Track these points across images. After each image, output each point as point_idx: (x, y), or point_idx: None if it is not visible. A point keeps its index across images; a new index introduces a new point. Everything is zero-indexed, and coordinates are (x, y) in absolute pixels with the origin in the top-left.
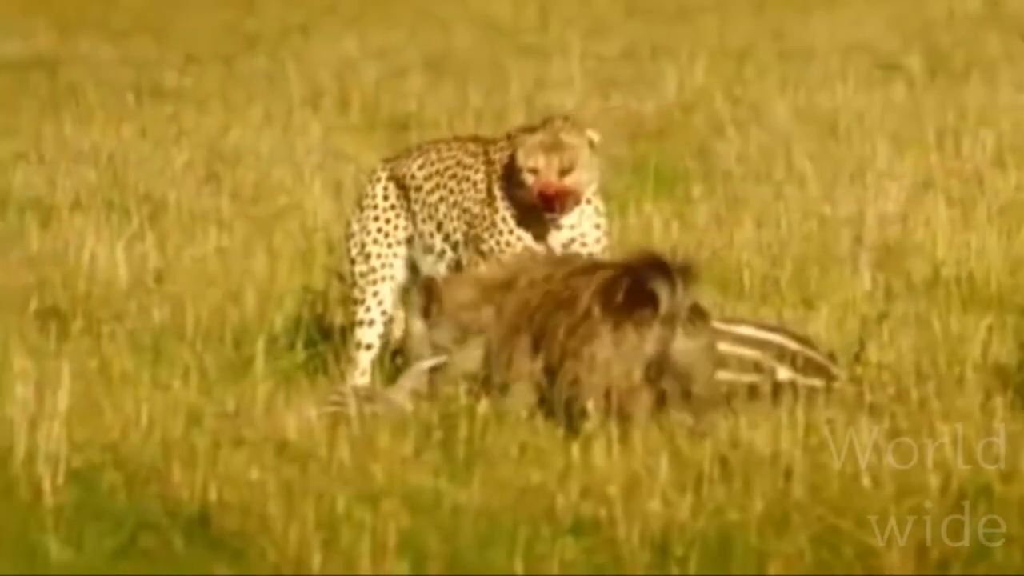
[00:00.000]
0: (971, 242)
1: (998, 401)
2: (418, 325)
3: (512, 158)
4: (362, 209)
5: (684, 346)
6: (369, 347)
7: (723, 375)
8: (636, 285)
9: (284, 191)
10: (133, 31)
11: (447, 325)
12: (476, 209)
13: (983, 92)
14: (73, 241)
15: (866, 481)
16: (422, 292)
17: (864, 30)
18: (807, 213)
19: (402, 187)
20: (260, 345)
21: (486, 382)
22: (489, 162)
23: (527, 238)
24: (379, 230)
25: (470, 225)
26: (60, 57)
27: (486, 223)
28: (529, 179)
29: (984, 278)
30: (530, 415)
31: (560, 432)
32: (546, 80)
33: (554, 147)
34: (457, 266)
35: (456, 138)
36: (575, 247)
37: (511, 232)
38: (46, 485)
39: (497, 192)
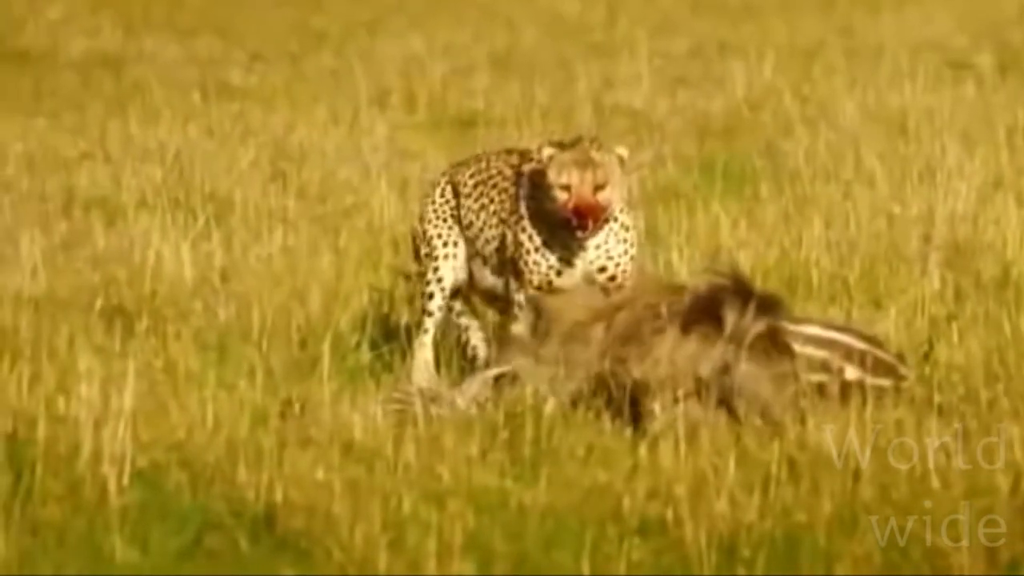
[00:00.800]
0: None
1: None
2: (519, 335)
3: (540, 174)
4: (424, 211)
5: (750, 371)
6: (431, 314)
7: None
8: (712, 304)
9: (350, 190)
10: (199, 29)
11: (555, 341)
12: (508, 222)
13: None
14: (139, 240)
15: (935, 482)
16: (531, 309)
17: (934, 28)
18: (876, 212)
19: (456, 193)
20: (326, 345)
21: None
22: (520, 175)
23: (552, 259)
24: (438, 217)
25: (503, 238)
26: (126, 56)
27: (513, 239)
28: (562, 196)
29: None
30: (596, 416)
31: (627, 432)
32: (613, 78)
33: (587, 164)
34: (499, 271)
35: (508, 150)
36: (601, 263)
37: (537, 251)
38: (111, 485)
39: (523, 209)
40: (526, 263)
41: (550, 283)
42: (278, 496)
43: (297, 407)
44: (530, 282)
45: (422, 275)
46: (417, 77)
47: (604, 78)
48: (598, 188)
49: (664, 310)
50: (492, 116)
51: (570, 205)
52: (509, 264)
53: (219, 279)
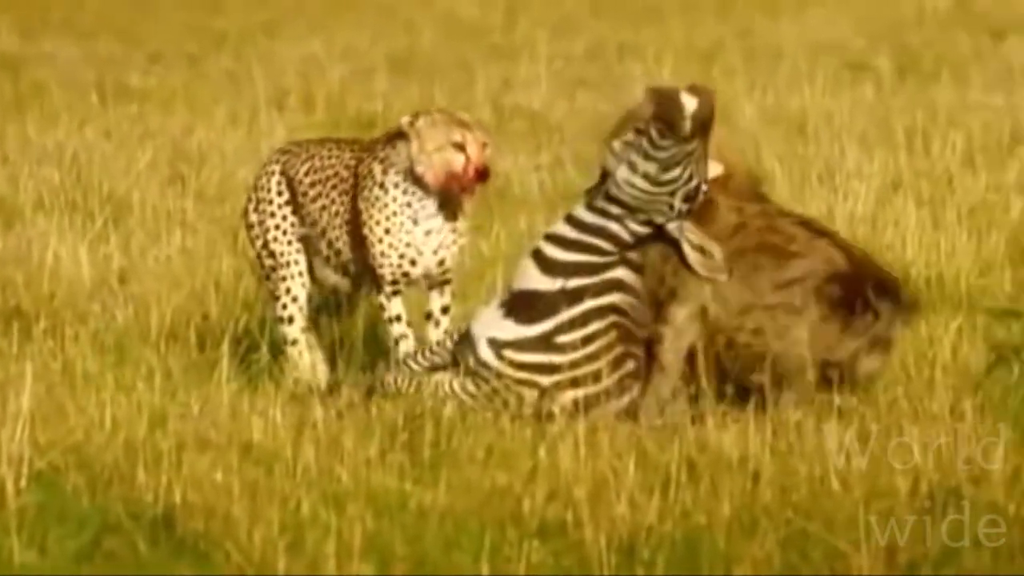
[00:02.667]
0: (940, 243)
1: (967, 403)
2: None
3: (401, 148)
4: (258, 202)
5: (868, 367)
6: (295, 342)
7: None
8: (854, 286)
9: (249, 191)
10: (97, 31)
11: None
12: (352, 219)
13: (952, 92)
14: (36, 242)
15: (835, 484)
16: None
17: (833, 30)
18: None
19: (293, 191)
20: (225, 347)
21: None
22: (379, 160)
23: (403, 249)
24: (279, 228)
25: (348, 236)
26: (24, 57)
27: (357, 234)
28: (457, 157)
29: (954, 279)
30: (496, 417)
31: (527, 434)
32: (512, 80)
33: (468, 121)
34: (343, 271)
35: (336, 140)
36: (441, 253)
37: (387, 242)
38: (9, 487)
39: (374, 198)
40: (375, 257)
41: (405, 275)
42: (176, 498)
43: (196, 408)
44: (382, 277)
45: (272, 294)
46: (316, 79)
47: (503, 80)
48: (484, 146)
49: (796, 283)
50: (391, 118)
51: (471, 166)
52: (356, 262)
53: (117, 281)
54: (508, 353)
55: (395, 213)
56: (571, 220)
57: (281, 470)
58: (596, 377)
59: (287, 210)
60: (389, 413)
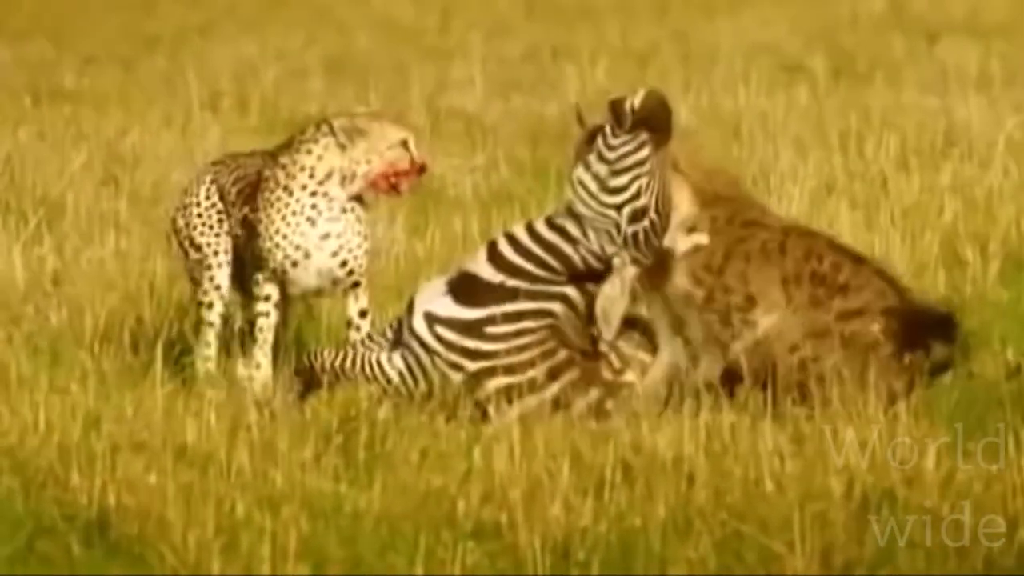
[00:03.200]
0: (875, 244)
1: (902, 406)
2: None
3: (318, 155)
4: (185, 207)
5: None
6: (211, 324)
7: None
8: (919, 323)
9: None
10: (30, 33)
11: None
12: (259, 211)
13: (887, 94)
14: None
15: (769, 486)
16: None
17: (767, 32)
18: None
19: (221, 197)
20: (159, 349)
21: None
22: (281, 165)
23: (292, 249)
24: (205, 223)
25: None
26: None
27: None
28: (403, 154)
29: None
30: (430, 419)
31: (461, 436)
32: (447, 82)
33: (403, 120)
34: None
35: (265, 152)
36: (342, 255)
37: (291, 235)
38: None
39: (287, 194)
40: (263, 250)
41: (284, 272)
42: (111, 500)
43: (130, 411)
44: (265, 263)
45: (194, 280)
46: (250, 81)
47: (438, 82)
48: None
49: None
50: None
51: (418, 160)
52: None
53: (51, 283)
54: (440, 329)
55: (294, 213)
56: (530, 229)
57: (215, 472)
58: (523, 370)
59: (214, 211)
60: (324, 415)
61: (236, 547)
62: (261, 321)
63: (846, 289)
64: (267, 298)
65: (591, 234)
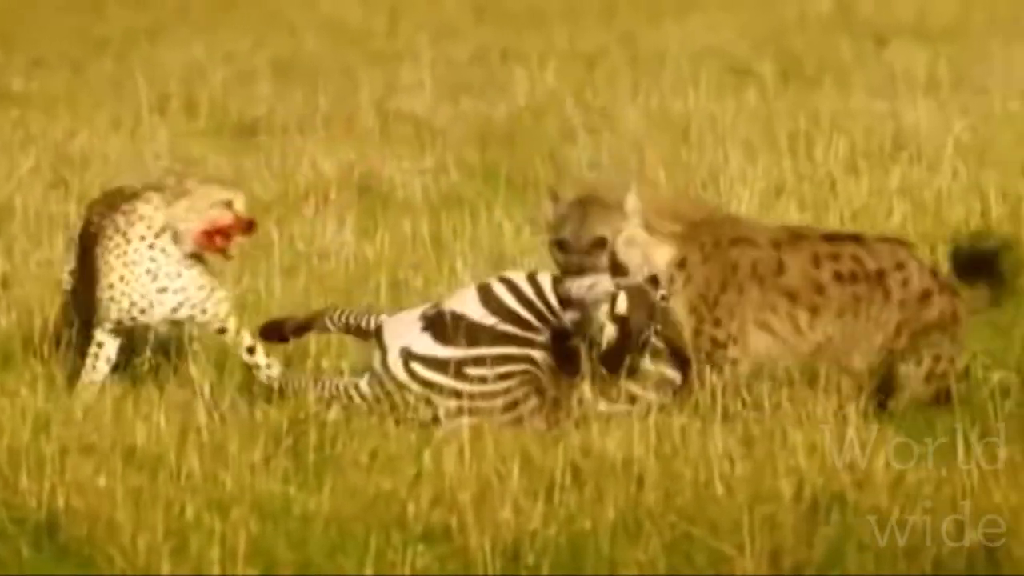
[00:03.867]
0: None
1: (851, 408)
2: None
3: (154, 209)
4: (69, 246)
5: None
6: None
7: (650, 395)
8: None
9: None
10: None
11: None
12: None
13: (835, 97)
14: None
15: (719, 488)
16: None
17: (716, 35)
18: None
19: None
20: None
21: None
22: (123, 212)
23: (144, 289)
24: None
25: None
26: None
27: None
28: (224, 214)
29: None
30: (380, 422)
31: (411, 439)
32: (396, 85)
33: (229, 184)
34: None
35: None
36: (184, 310)
37: (130, 291)
38: None
39: (126, 242)
40: (101, 300)
41: (133, 319)
42: (60, 503)
43: (79, 414)
44: (104, 316)
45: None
46: (198, 83)
47: (387, 85)
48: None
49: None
50: (274, 123)
51: (243, 218)
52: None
53: (0, 286)
54: (416, 367)
55: (134, 263)
56: (532, 280)
57: (165, 475)
58: (492, 413)
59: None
60: (273, 418)
61: (185, 549)
62: (89, 362)
63: (883, 275)
64: (101, 353)
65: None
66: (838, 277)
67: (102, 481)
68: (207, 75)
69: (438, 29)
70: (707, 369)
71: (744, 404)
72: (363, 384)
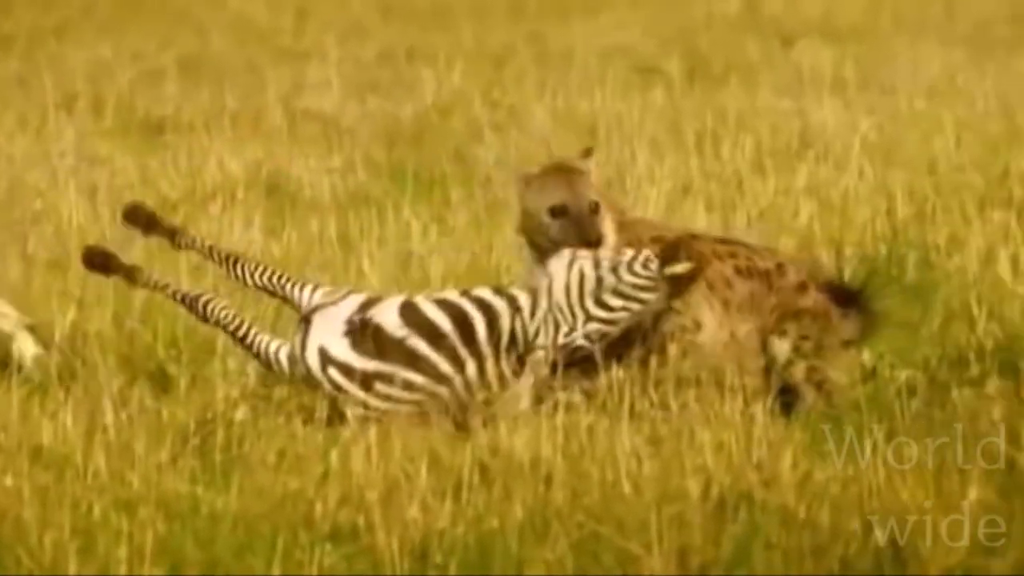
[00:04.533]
0: None
1: (758, 408)
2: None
3: None
4: None
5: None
6: None
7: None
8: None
9: (38, 195)
10: None
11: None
12: None
13: (742, 96)
14: None
15: (626, 487)
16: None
17: (622, 34)
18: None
19: None
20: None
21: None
22: None
23: None
24: None
25: None
26: None
27: None
28: None
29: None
30: (287, 421)
31: (319, 438)
32: (303, 83)
33: None
34: None
35: None
36: None
37: None
38: None
39: None
40: None
41: None
42: None
43: None
44: None
45: None
46: (105, 82)
47: (294, 83)
48: None
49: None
50: (181, 121)
51: None
52: None
53: None
54: (332, 370)
55: None
56: (466, 293)
57: (72, 474)
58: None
59: None
60: (180, 417)
61: (93, 549)
62: None
63: (769, 273)
64: None
65: (538, 316)
66: (738, 271)
67: (8, 480)
68: (114, 74)
69: (345, 28)
70: (674, 350)
71: (651, 403)
72: (283, 355)
